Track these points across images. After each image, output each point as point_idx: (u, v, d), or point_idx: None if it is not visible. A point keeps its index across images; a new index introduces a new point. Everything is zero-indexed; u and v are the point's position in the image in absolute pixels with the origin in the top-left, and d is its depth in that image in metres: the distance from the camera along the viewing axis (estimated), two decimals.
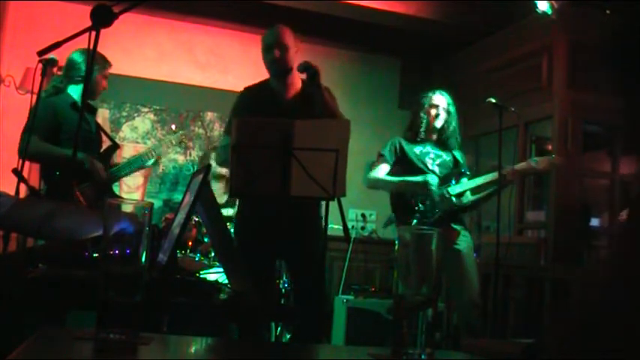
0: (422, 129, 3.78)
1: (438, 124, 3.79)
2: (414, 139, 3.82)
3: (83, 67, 3.42)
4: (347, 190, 2.61)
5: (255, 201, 2.99)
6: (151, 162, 3.80)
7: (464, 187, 3.70)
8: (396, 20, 5.35)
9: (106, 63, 3.56)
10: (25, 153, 3.18)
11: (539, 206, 5.07)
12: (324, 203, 2.73)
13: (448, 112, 3.80)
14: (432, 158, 3.77)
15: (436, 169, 3.73)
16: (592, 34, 4.74)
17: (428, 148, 3.80)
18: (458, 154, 3.83)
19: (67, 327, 1.26)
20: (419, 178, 3.66)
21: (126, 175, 3.82)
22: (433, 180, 3.64)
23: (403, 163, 3.79)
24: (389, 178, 3.78)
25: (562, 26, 4.70)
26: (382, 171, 3.83)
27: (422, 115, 3.80)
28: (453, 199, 3.65)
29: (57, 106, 3.41)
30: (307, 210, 3.02)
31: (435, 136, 3.82)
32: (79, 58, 3.45)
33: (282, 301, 3.96)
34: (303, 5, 5.10)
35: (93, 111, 3.73)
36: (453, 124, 3.81)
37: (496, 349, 1.27)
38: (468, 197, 3.73)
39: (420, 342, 0.99)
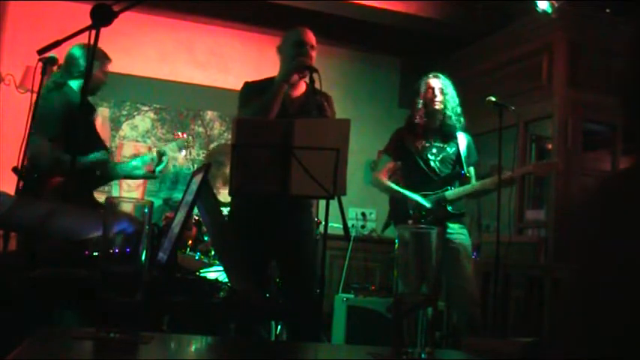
0: (420, 114, 3.71)
1: (437, 106, 3.70)
2: (415, 132, 3.76)
3: (82, 62, 3.36)
4: (347, 188, 2.61)
5: (248, 200, 3.00)
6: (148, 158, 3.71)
7: (461, 192, 3.67)
8: (396, 19, 5.35)
9: (104, 58, 3.50)
10: (31, 157, 3.14)
11: (539, 205, 5.07)
12: (321, 203, 2.73)
13: (444, 94, 3.71)
14: (434, 154, 3.72)
15: (437, 166, 3.71)
16: (592, 33, 4.74)
17: (430, 141, 3.74)
18: (464, 144, 3.75)
19: (67, 327, 1.26)
20: (414, 197, 3.64)
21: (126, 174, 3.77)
22: (426, 203, 3.63)
23: (404, 159, 3.78)
24: (387, 183, 3.78)
25: (562, 26, 4.70)
26: (384, 170, 3.81)
27: (417, 100, 3.74)
28: (449, 207, 3.64)
29: (71, 97, 3.31)
30: (301, 211, 3.03)
31: (436, 124, 3.73)
32: (77, 52, 3.40)
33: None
34: (303, 4, 5.10)
35: (93, 111, 3.67)
36: (452, 104, 3.71)
37: (496, 349, 1.27)
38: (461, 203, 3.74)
39: (420, 341, 0.99)
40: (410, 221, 3.62)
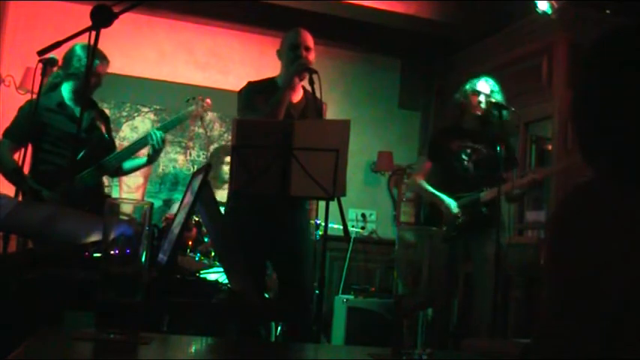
0: (463, 117, 3.75)
1: (479, 112, 3.74)
2: (452, 131, 3.80)
3: (75, 61, 3.24)
4: (347, 189, 2.61)
5: (242, 201, 2.99)
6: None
7: (494, 194, 3.60)
8: (396, 20, 5.35)
9: (102, 59, 3.31)
10: None
11: (539, 206, 5.07)
12: (321, 204, 2.73)
13: (490, 102, 3.71)
14: (469, 154, 3.72)
15: (470, 167, 3.71)
16: (592, 34, 4.74)
17: (466, 140, 3.74)
18: (504, 147, 3.72)
19: (67, 327, 1.26)
20: (444, 200, 3.66)
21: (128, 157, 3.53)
22: (454, 206, 3.64)
23: (438, 159, 3.81)
24: (422, 185, 3.81)
25: (562, 26, 4.70)
26: (422, 172, 3.87)
27: (462, 101, 3.78)
28: (484, 209, 3.64)
29: (40, 107, 3.10)
30: (295, 210, 3.03)
31: (476, 126, 3.76)
32: (75, 51, 3.26)
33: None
34: (303, 5, 5.10)
35: (91, 106, 3.42)
36: (496, 113, 3.70)
37: (496, 349, 1.28)
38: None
39: (420, 342, 0.99)
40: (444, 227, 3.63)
